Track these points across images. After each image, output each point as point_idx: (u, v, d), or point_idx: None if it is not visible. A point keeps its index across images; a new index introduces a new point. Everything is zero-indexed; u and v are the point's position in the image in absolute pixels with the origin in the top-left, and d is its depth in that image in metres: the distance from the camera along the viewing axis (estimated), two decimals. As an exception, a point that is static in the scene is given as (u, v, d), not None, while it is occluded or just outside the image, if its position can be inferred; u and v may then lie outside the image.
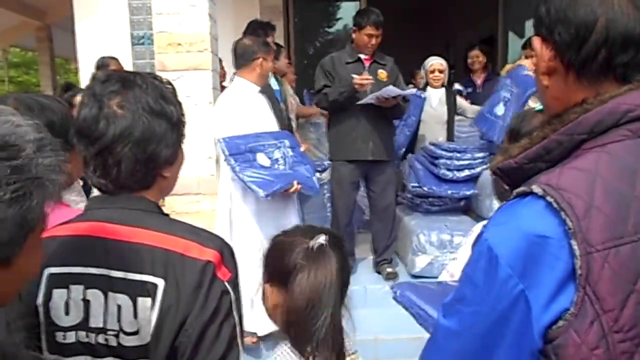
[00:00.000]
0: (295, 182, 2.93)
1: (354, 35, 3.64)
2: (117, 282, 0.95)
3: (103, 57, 4.58)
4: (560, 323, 0.68)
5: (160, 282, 0.94)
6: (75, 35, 5.91)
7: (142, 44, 5.75)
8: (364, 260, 4.02)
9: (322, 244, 1.10)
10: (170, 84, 1.09)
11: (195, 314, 0.94)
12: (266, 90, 3.27)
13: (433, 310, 1.30)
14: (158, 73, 3.18)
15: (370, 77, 3.44)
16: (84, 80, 5.65)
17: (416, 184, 3.97)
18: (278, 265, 1.15)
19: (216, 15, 3.39)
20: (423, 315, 1.31)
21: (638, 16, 0.73)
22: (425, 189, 3.90)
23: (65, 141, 1.25)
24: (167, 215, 1.08)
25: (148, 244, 0.97)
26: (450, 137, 4.40)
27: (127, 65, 5.29)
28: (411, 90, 3.96)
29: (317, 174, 4.39)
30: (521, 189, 0.75)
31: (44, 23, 9.07)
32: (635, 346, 0.67)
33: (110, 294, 0.96)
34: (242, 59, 3.05)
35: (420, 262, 3.77)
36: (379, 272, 3.78)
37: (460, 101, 4.60)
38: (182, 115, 1.08)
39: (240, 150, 2.87)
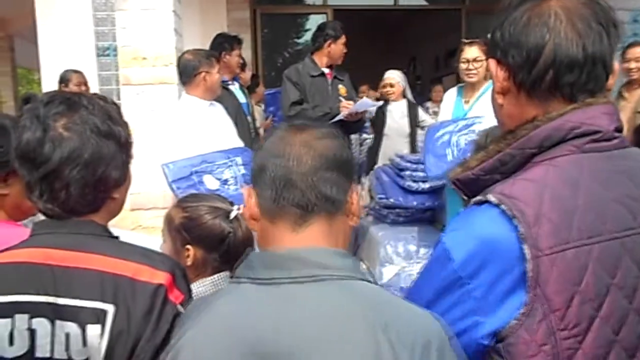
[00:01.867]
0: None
1: (329, 48, 3.70)
2: (65, 309, 0.93)
3: (66, 71, 4.51)
4: (512, 322, 0.74)
5: (109, 308, 0.92)
6: (37, 45, 5.79)
7: (108, 55, 5.67)
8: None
9: (237, 213, 1.49)
10: (115, 104, 1.08)
11: (146, 338, 0.92)
12: (228, 102, 3.21)
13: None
14: (122, 87, 3.19)
15: (351, 104, 3.52)
16: (47, 90, 5.52)
17: (382, 195, 4.02)
18: (206, 234, 1.43)
19: (183, 28, 3.40)
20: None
21: (581, 42, 0.81)
22: (392, 200, 3.96)
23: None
24: (116, 237, 1.06)
25: (97, 269, 0.95)
26: (413, 149, 4.46)
27: (92, 77, 5.22)
28: (378, 103, 4.03)
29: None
30: (478, 197, 0.81)
31: (6, 32, 8.86)
32: (579, 343, 0.73)
33: (58, 322, 0.93)
34: (184, 75, 2.93)
35: (388, 273, 3.82)
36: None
37: (423, 114, 4.69)
38: (129, 135, 1.06)
39: (185, 174, 2.73)
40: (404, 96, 4.49)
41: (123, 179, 1.05)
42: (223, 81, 3.58)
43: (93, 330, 0.92)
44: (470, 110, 3.24)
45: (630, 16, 6.38)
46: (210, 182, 2.78)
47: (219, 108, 3.09)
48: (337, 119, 3.49)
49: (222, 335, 0.76)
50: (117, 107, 1.07)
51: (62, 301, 0.93)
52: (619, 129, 0.83)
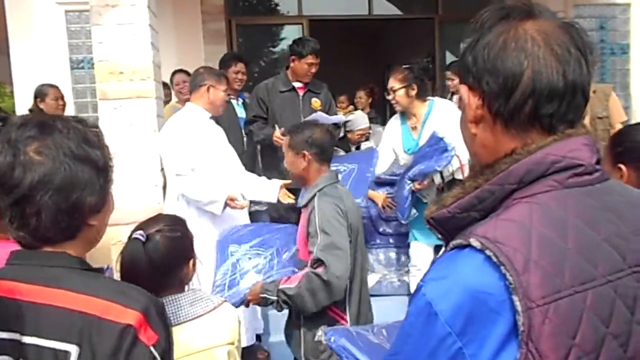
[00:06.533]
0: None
1: (292, 64, 3.65)
2: (29, 348, 0.88)
3: (42, 85, 4.41)
4: None
5: (73, 349, 0.88)
6: (9, 57, 5.69)
7: (82, 67, 5.61)
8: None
9: (138, 236, 1.56)
10: (96, 127, 1.03)
11: None
12: (225, 113, 3.30)
13: (368, 360, 1.27)
14: (99, 101, 3.16)
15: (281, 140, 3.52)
16: (20, 104, 5.45)
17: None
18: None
19: (159, 41, 3.39)
20: (358, 365, 1.28)
21: (561, 69, 0.74)
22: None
23: None
24: (94, 270, 1.00)
25: (63, 307, 0.90)
26: None
27: (67, 90, 5.15)
28: (340, 117, 3.87)
29: (257, 207, 4.39)
30: (458, 241, 0.73)
31: (-25, 45, 8.69)
32: None
33: None
34: (192, 85, 3.07)
35: (370, 281, 3.83)
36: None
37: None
38: (110, 159, 1.02)
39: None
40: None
41: (101, 205, 1.00)
42: None
43: None
44: (420, 138, 3.18)
45: (597, 23, 6.58)
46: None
47: (217, 126, 3.15)
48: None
49: None
50: (97, 130, 1.03)
51: (26, 339, 0.89)
52: (599, 161, 0.77)
